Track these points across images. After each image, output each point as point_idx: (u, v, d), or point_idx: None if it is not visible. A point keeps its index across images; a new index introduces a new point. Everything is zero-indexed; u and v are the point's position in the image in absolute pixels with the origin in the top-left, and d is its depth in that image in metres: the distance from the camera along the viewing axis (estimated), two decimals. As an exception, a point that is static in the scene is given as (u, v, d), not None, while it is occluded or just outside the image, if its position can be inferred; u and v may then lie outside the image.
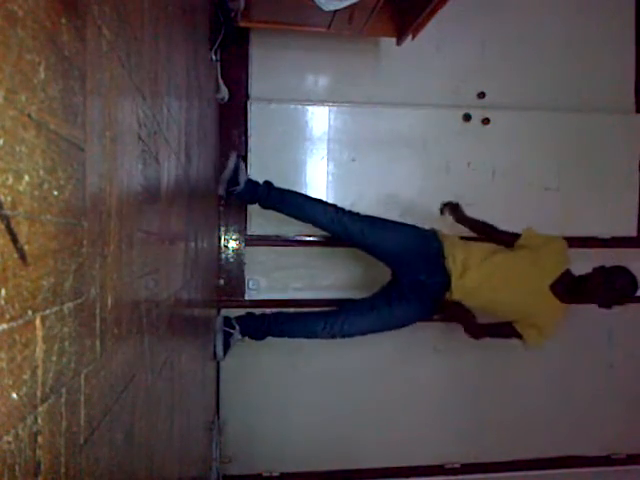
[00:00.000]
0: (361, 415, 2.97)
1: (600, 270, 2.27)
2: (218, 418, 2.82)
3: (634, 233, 3.13)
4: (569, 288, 2.33)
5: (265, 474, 2.93)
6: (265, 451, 2.92)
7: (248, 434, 2.88)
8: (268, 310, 2.61)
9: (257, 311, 2.61)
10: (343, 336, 2.47)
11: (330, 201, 2.59)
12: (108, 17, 0.67)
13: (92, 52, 0.61)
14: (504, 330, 2.43)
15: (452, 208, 2.55)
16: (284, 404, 2.91)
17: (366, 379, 2.97)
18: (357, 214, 2.47)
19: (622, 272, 2.27)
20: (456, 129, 2.95)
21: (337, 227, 2.43)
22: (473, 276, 2.34)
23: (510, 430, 3.10)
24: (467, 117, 2.95)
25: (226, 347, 2.51)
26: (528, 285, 2.35)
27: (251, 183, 2.49)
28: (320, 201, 2.53)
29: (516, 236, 2.44)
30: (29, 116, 0.44)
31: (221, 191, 2.49)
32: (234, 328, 2.50)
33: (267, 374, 2.90)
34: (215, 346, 2.48)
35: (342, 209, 2.46)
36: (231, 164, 2.47)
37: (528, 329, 2.36)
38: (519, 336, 2.38)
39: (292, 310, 2.67)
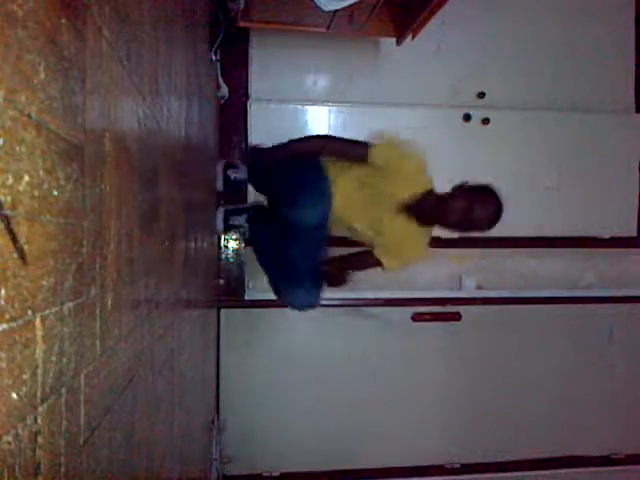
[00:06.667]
0: (361, 415, 2.96)
1: (463, 193, 1.95)
2: (218, 418, 2.82)
3: (634, 233, 3.13)
4: (429, 209, 2.02)
5: (265, 474, 2.93)
6: (265, 451, 2.92)
7: (248, 434, 2.88)
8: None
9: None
10: None
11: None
12: (108, 17, 0.67)
13: (92, 52, 0.61)
14: (363, 260, 2.21)
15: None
16: (284, 404, 2.91)
17: (366, 379, 2.97)
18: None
19: (486, 200, 1.96)
20: (456, 129, 2.95)
21: None
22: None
23: (510, 430, 3.10)
24: (467, 117, 2.95)
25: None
26: (375, 213, 2.10)
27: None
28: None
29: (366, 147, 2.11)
30: (29, 116, 0.44)
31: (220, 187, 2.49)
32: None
33: (267, 374, 2.90)
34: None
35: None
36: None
37: (385, 254, 2.13)
38: (380, 263, 2.14)
39: None
